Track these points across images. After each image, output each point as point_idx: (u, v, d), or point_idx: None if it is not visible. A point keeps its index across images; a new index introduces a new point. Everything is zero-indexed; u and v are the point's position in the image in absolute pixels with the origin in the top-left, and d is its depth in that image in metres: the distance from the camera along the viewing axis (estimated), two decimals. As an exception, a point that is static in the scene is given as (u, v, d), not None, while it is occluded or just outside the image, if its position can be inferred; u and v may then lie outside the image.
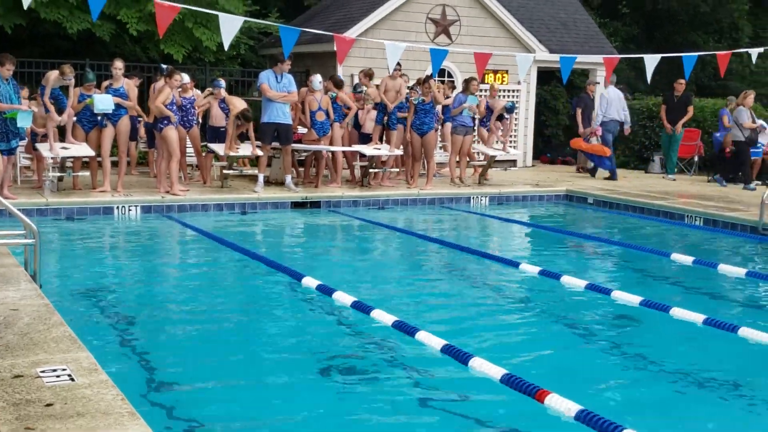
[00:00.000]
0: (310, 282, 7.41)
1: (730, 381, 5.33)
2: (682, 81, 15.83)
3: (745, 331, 6.17)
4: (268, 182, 13.14)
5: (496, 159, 14.96)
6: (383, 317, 6.29)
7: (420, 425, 4.57)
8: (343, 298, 6.86)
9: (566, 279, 7.94)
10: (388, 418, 4.66)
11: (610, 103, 16.21)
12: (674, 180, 15.96)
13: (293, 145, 12.67)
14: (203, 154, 13.13)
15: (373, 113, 13.66)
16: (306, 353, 5.70)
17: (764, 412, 4.87)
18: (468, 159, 14.59)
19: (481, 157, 15.35)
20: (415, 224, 11.61)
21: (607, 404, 4.74)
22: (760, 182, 15.51)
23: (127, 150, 12.09)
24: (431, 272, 8.36)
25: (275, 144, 12.57)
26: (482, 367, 5.17)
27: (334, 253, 9.57)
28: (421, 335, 5.81)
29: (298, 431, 4.48)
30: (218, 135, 12.88)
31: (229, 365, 5.43)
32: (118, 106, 11.42)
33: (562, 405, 4.56)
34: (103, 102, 11.24)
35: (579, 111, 16.82)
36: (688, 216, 11.88)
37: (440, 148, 15.14)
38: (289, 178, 12.62)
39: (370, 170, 13.49)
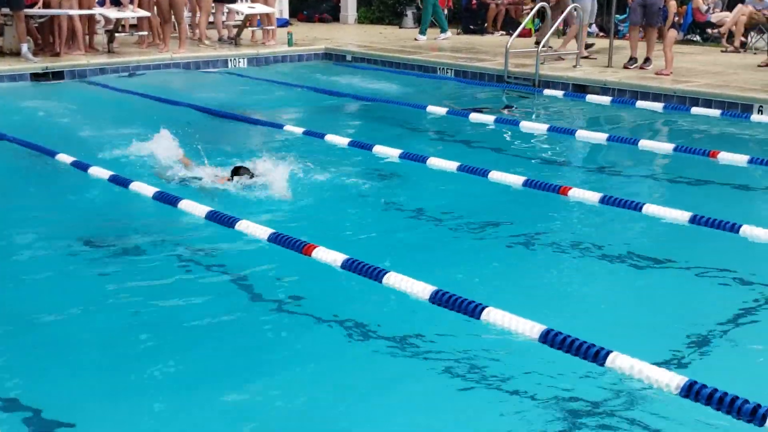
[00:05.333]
0: (64, 158, 6.95)
1: (482, 221, 5.72)
2: None
3: (494, 174, 6.60)
4: (2, 53, 11.92)
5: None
6: (143, 189, 6.05)
7: (192, 291, 4.51)
8: (99, 172, 6.50)
9: (330, 137, 8.02)
10: (154, 287, 4.54)
11: None
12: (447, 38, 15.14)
13: (26, 10, 11.49)
14: None
15: None
16: (65, 230, 5.38)
17: (515, 245, 5.29)
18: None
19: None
20: (171, 90, 11.06)
21: (372, 252, 4.91)
22: (504, 32, 16.30)
23: None
24: (194, 140, 8.02)
25: (5, 9, 11.34)
26: (249, 229, 5.15)
27: (85, 127, 8.94)
28: (184, 204, 5.66)
29: (53, 305, 4.29)
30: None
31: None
32: None
33: (328, 257, 4.67)
34: None
35: None
36: (440, 68, 12.31)
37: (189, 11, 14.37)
38: (25, 47, 11.51)
39: (115, 34, 12.62)
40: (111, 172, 6.43)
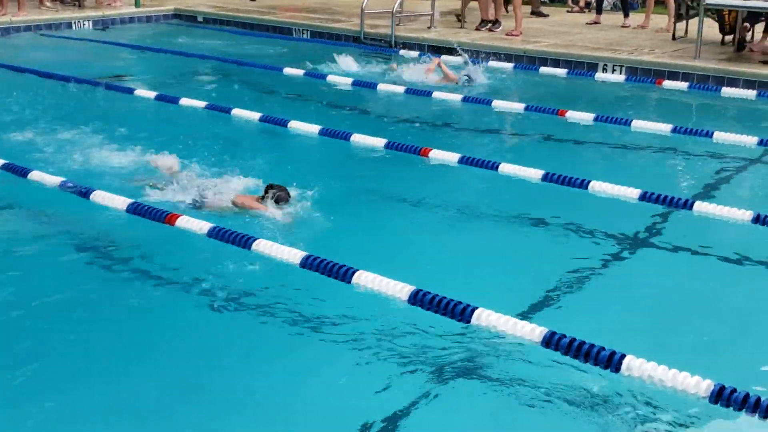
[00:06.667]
0: None
1: (344, 184, 5.75)
2: None
3: (356, 138, 6.64)
4: None
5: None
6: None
7: (50, 260, 4.35)
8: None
9: (185, 101, 7.82)
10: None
11: None
12: None
13: None
14: None
15: None
16: None
17: (379, 207, 5.36)
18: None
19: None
20: (15, 56, 10.38)
21: (234, 218, 4.87)
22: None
23: None
24: (47, 110, 7.58)
25: None
26: (104, 199, 5.00)
27: None
28: (35, 174, 5.42)
29: None
30: None
31: None
32: None
33: (193, 225, 4.59)
34: None
35: None
36: (296, 29, 12.17)
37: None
38: None
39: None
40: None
